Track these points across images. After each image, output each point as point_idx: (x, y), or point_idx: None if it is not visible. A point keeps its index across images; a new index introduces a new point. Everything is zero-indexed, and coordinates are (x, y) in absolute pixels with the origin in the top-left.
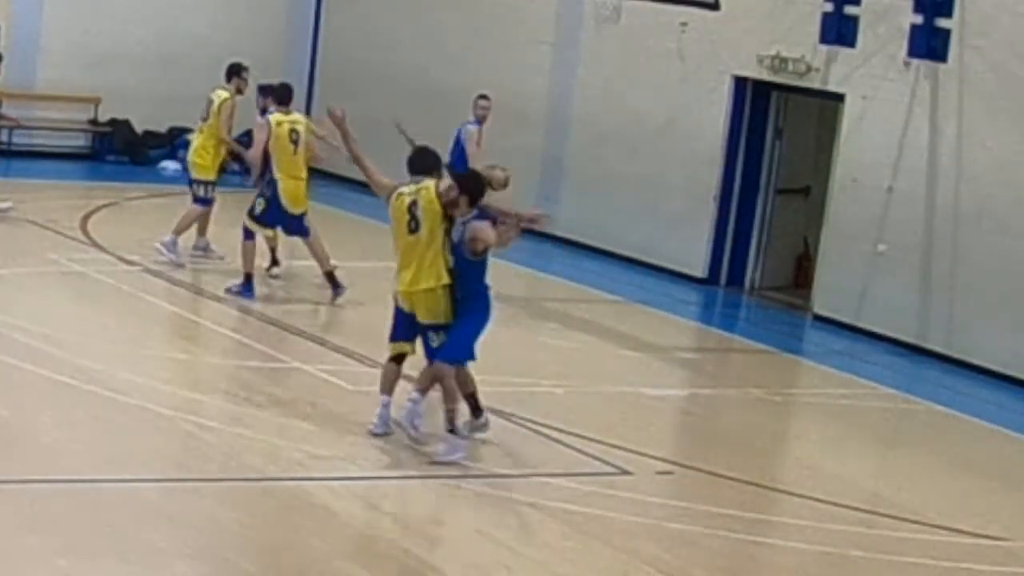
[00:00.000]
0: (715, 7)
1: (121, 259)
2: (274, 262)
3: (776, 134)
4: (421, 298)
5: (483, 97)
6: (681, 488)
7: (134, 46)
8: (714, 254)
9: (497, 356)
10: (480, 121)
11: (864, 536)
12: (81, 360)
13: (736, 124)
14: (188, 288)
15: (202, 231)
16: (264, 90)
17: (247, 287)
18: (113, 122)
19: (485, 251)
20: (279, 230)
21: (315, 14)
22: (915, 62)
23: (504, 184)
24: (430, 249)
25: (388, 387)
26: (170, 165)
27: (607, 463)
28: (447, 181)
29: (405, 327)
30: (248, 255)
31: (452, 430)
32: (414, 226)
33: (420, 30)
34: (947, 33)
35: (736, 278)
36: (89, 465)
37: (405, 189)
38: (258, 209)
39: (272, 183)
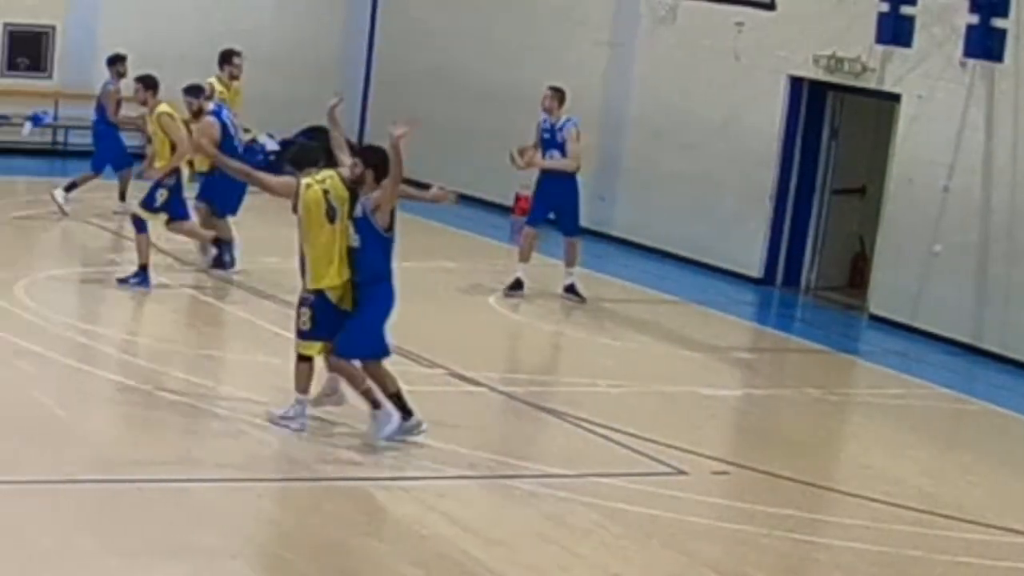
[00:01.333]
0: (771, 7)
1: (179, 259)
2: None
3: (832, 134)
4: (345, 290)
5: (549, 88)
6: (737, 488)
7: (191, 46)
8: (770, 254)
9: (554, 356)
10: (547, 112)
11: (921, 536)
12: (137, 360)
13: (792, 124)
14: (244, 288)
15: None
16: (146, 81)
17: (143, 277)
18: None
19: (393, 222)
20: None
21: (371, 15)
22: (971, 62)
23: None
24: (343, 239)
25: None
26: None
27: (663, 463)
28: (348, 167)
29: (335, 323)
30: (144, 247)
31: (376, 405)
32: (332, 215)
33: (476, 30)
34: (1003, 33)
35: (792, 278)
36: (143, 464)
37: (308, 180)
38: (159, 200)
39: (177, 173)
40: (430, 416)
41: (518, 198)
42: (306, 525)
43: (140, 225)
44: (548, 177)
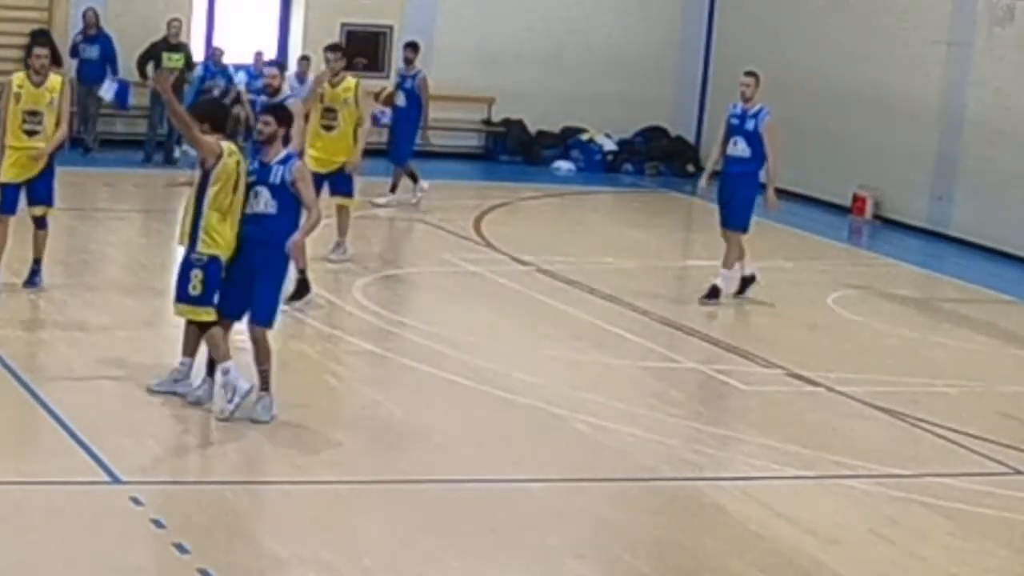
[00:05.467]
0: None
1: (515, 259)
2: None
3: None
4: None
5: (748, 74)
6: None
7: (528, 46)
8: None
9: (891, 356)
10: (746, 101)
11: None
12: (475, 360)
13: None
14: (581, 288)
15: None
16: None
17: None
18: (507, 122)
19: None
20: None
21: (708, 16)
22: None
23: None
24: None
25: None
26: (563, 165)
27: (1000, 463)
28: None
29: (221, 290)
30: None
31: (267, 386)
32: (238, 185)
33: (813, 30)
34: None
35: None
36: (482, 465)
37: (230, 147)
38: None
39: None
40: (767, 416)
41: (856, 198)
42: (644, 525)
43: None
44: (732, 169)
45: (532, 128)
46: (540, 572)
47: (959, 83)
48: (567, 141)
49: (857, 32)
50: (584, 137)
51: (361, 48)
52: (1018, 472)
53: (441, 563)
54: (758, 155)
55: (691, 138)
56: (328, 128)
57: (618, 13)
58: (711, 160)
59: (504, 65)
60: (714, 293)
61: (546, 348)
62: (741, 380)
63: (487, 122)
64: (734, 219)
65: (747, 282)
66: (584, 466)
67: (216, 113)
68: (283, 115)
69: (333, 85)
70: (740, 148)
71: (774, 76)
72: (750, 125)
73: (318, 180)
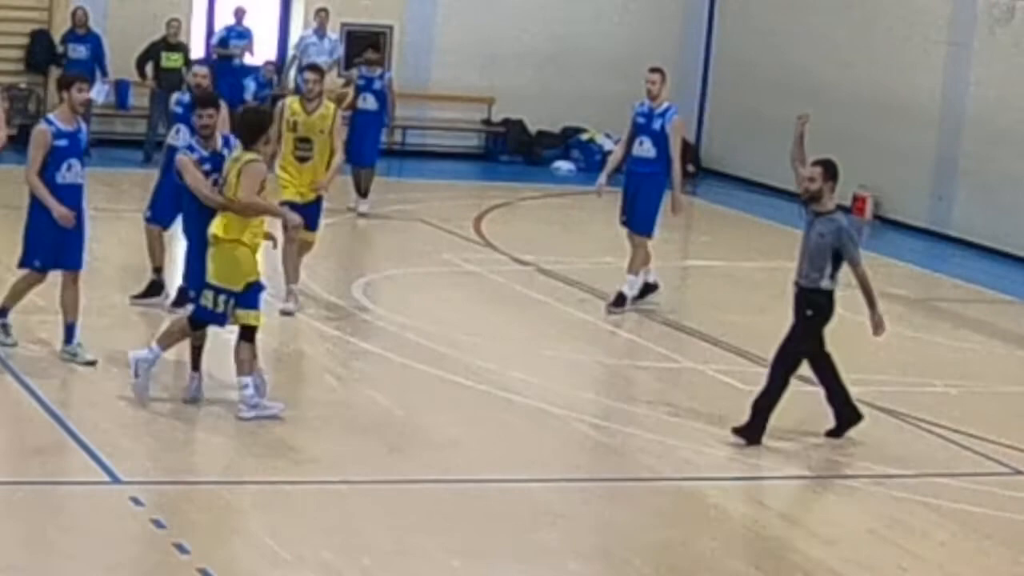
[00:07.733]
0: None
1: (514, 259)
2: None
3: None
4: None
5: (654, 70)
6: None
7: (528, 46)
8: None
9: (891, 356)
10: (652, 98)
11: None
12: (474, 360)
13: None
14: (581, 288)
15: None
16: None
17: None
18: (506, 122)
19: None
20: None
21: (708, 16)
22: None
23: None
24: None
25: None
26: (563, 165)
27: (1001, 463)
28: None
29: None
30: None
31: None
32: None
33: (811, 30)
34: None
35: None
36: (482, 465)
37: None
38: None
39: None
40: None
41: (856, 198)
42: (642, 525)
43: None
44: (637, 169)
45: (532, 128)
46: (540, 572)
47: (959, 83)
48: (567, 141)
49: (857, 32)
50: (584, 137)
51: (361, 48)
52: (1018, 472)
53: (441, 563)
54: (664, 155)
55: (691, 138)
56: (303, 160)
57: (618, 13)
58: (612, 159)
59: (504, 65)
60: (620, 300)
61: (546, 348)
62: (741, 380)
63: (487, 122)
64: (638, 223)
65: (649, 289)
66: (584, 466)
67: (264, 122)
68: (218, 102)
69: (308, 112)
70: (646, 148)
71: (774, 77)
72: (657, 124)
73: (296, 210)
